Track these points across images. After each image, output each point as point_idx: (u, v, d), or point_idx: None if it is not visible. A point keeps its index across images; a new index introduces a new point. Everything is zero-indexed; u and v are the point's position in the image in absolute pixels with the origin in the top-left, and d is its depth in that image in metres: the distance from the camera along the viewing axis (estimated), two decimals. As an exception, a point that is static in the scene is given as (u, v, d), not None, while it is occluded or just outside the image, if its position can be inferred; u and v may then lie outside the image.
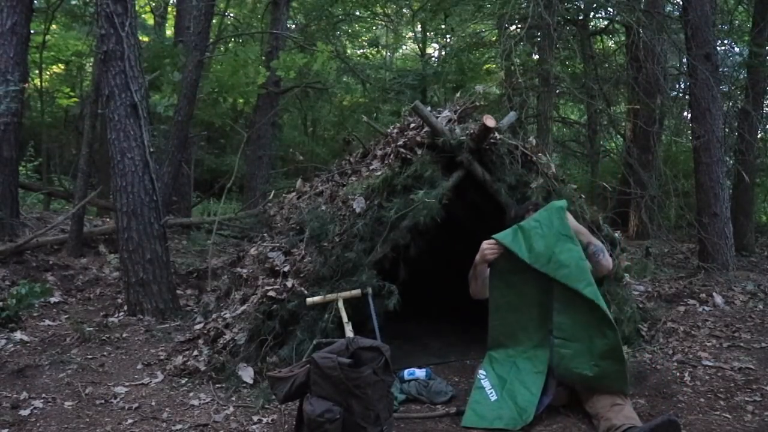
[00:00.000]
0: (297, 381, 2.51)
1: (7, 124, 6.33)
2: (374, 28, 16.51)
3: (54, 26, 10.97)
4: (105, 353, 3.97)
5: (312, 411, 2.39)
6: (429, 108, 4.11)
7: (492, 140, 3.95)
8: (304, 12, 13.13)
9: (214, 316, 4.02)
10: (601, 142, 11.51)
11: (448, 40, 14.90)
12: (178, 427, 2.96)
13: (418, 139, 3.96)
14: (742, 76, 9.33)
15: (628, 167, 8.46)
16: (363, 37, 16.33)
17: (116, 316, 4.77)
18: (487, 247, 3.18)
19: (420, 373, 3.47)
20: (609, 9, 9.20)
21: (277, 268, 3.73)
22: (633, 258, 6.75)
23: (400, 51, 18.52)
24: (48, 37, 10.16)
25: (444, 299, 5.41)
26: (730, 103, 8.68)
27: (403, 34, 16.79)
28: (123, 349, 4.06)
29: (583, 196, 4.40)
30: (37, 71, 10.46)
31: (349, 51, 15.57)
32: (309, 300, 3.46)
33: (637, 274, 6.08)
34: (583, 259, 3.05)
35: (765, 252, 8.51)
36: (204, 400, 3.26)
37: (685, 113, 9.68)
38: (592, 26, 10.71)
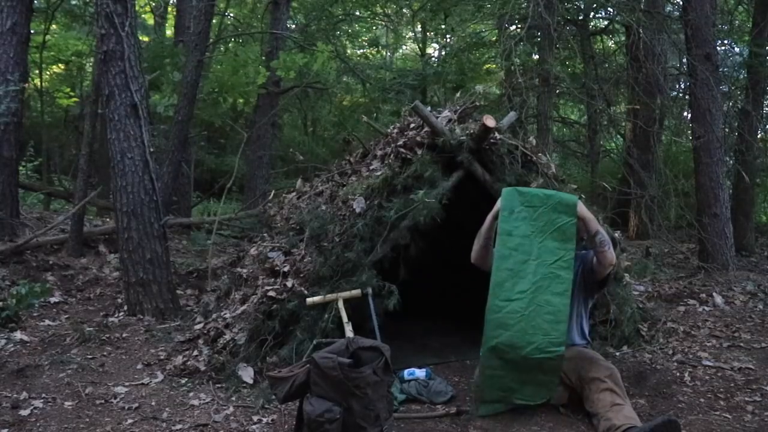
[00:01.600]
0: (297, 381, 2.51)
1: (7, 124, 6.33)
2: (374, 28, 16.50)
3: (54, 26, 10.96)
4: (105, 353, 3.97)
5: (312, 411, 2.39)
6: (429, 108, 4.11)
7: (492, 140, 3.95)
8: (304, 12, 13.13)
9: (214, 316, 4.02)
10: (601, 142, 11.51)
11: (448, 40, 14.89)
12: (178, 427, 2.96)
13: (418, 139, 3.96)
14: (742, 76, 9.33)
15: (628, 167, 8.46)
16: (363, 37, 16.32)
17: (116, 316, 4.77)
18: None
19: (420, 373, 3.47)
20: (609, 9, 9.20)
21: (277, 268, 3.73)
22: (633, 258, 6.75)
23: (400, 51, 18.51)
24: (48, 37, 10.15)
25: (444, 299, 5.41)
26: (730, 103, 8.68)
27: (403, 34, 16.78)
28: (123, 349, 4.06)
29: (583, 196, 4.40)
30: (37, 71, 10.45)
31: (349, 51, 15.55)
32: (309, 300, 3.46)
33: (637, 274, 6.09)
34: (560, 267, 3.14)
35: (765, 252, 8.51)
36: (204, 400, 3.26)
37: (685, 113, 9.68)
38: (592, 26, 10.71)
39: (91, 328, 4.33)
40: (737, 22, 10.03)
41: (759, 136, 9.00)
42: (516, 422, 3.06)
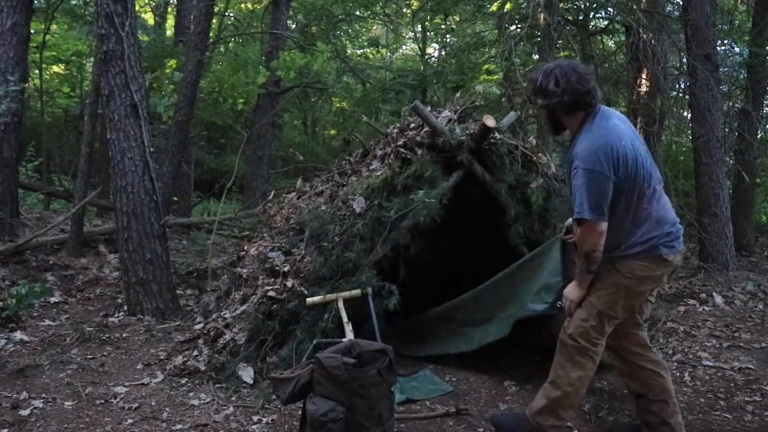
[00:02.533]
0: (300, 381, 2.50)
1: (7, 124, 6.32)
2: (374, 27, 16.50)
3: (54, 26, 10.95)
4: (105, 353, 3.97)
5: (315, 411, 2.38)
6: (429, 108, 4.11)
7: (492, 140, 3.95)
8: (304, 12, 13.13)
9: (214, 316, 4.02)
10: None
11: (448, 40, 14.89)
12: (178, 427, 2.96)
13: (418, 139, 3.96)
14: (742, 76, 9.32)
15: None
16: (363, 37, 16.32)
17: (116, 316, 4.77)
18: None
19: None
20: (609, 9, 9.20)
21: (277, 268, 3.73)
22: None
23: (400, 51, 18.51)
24: (48, 37, 10.14)
25: (444, 299, 5.40)
26: (730, 103, 8.67)
27: (403, 34, 16.78)
28: (123, 349, 4.07)
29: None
30: (37, 71, 10.44)
31: (349, 51, 15.56)
32: (309, 300, 3.46)
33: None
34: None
35: (765, 252, 8.50)
36: (204, 400, 3.26)
37: (685, 113, 9.67)
38: (592, 26, 10.70)
39: (91, 328, 4.33)
40: (737, 22, 10.03)
41: (759, 136, 8.99)
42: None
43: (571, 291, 2.69)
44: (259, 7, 13.01)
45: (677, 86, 10.11)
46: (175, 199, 8.97)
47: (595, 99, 2.53)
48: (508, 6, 8.62)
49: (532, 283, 3.23)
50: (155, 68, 8.54)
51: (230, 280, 4.30)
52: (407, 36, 17.20)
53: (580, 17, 9.51)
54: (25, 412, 3.05)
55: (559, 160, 11.43)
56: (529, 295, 3.21)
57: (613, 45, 11.31)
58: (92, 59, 9.10)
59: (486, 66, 12.19)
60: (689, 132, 7.90)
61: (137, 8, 9.17)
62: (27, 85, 7.55)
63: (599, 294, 2.61)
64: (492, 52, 11.31)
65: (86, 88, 11.43)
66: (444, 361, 4.01)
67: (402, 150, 3.94)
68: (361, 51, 16.53)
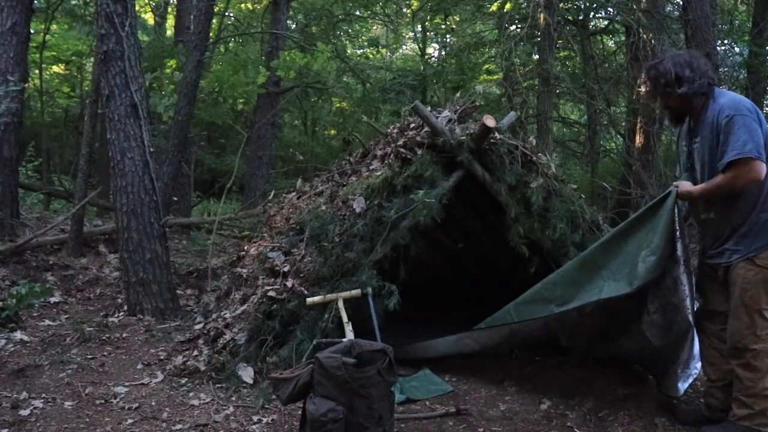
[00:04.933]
0: (301, 381, 2.50)
1: (7, 124, 6.32)
2: (374, 27, 16.49)
3: (54, 26, 10.95)
4: (105, 353, 3.97)
5: (315, 410, 2.38)
6: (429, 108, 4.11)
7: (492, 140, 3.94)
8: (304, 12, 13.13)
9: (214, 316, 4.02)
10: (601, 142, 11.50)
11: (448, 40, 14.90)
12: (178, 427, 2.96)
13: (418, 139, 3.96)
14: (742, 76, 9.34)
15: (628, 167, 8.46)
16: (363, 37, 16.32)
17: (116, 316, 4.77)
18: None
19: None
20: (609, 9, 9.21)
21: (277, 268, 3.73)
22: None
23: (400, 51, 18.51)
24: (48, 37, 10.14)
25: (445, 299, 5.41)
26: (730, 103, 8.66)
27: (403, 34, 16.79)
28: (123, 349, 4.07)
29: (583, 196, 4.40)
30: (37, 71, 10.44)
31: (349, 51, 15.55)
32: (309, 300, 3.46)
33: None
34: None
35: (765, 252, 8.49)
36: (204, 400, 3.26)
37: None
38: (592, 26, 10.71)
39: (91, 328, 4.33)
40: (737, 22, 10.04)
41: (759, 136, 8.98)
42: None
43: (688, 188, 2.77)
44: (259, 7, 13.04)
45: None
46: (175, 199, 8.98)
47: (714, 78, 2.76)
48: (508, 6, 8.64)
49: (642, 242, 2.98)
50: (155, 68, 8.52)
51: (230, 280, 4.30)
52: (407, 36, 17.20)
53: (580, 17, 9.52)
54: (25, 412, 3.05)
55: (559, 160, 11.46)
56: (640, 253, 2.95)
57: (613, 45, 11.32)
58: (92, 59, 9.10)
59: (486, 66, 12.19)
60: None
61: (137, 8, 9.18)
62: (27, 85, 7.54)
63: (750, 294, 2.67)
64: (492, 52, 11.32)
65: (86, 88, 11.42)
66: (444, 361, 4.02)
67: (402, 150, 3.94)
68: (361, 51, 16.53)
